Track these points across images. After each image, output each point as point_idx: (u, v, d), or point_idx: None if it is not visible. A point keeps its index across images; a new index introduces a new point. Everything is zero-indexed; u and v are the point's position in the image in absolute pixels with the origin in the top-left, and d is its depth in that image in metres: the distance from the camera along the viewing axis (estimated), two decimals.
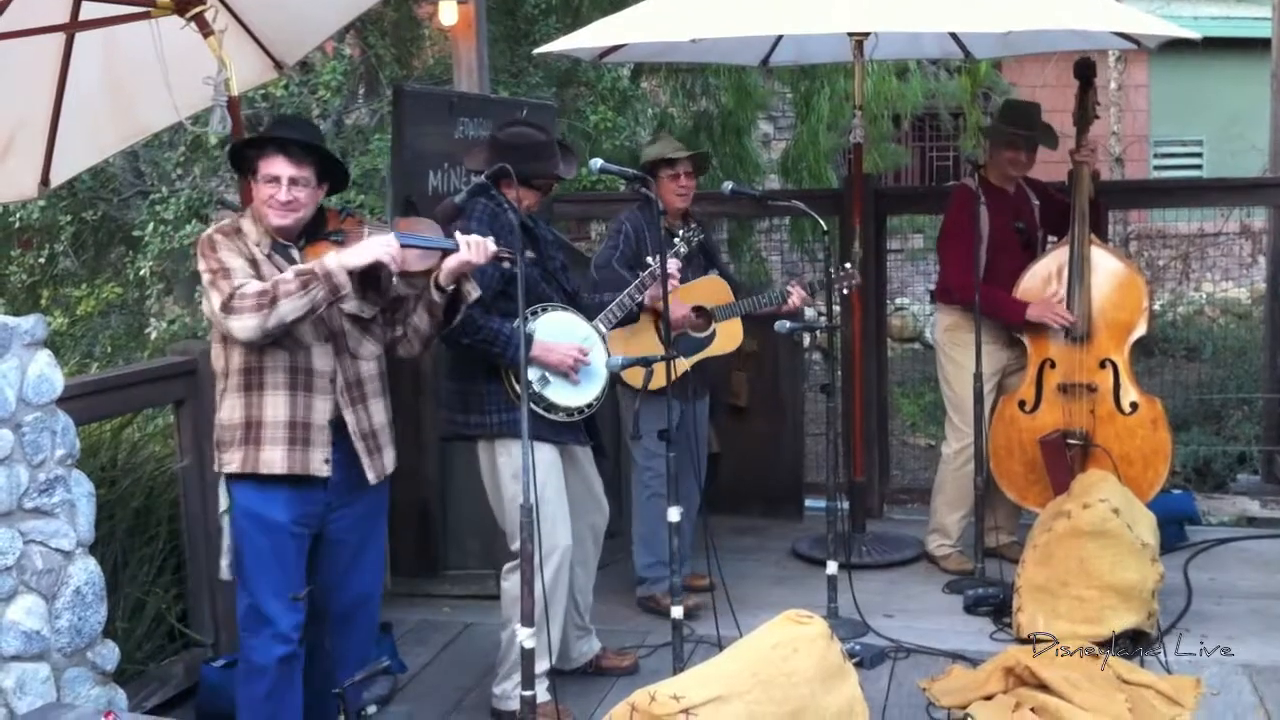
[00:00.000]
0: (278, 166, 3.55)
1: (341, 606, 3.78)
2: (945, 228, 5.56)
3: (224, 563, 3.68)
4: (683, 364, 5.00)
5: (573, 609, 4.43)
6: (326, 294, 3.47)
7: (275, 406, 3.58)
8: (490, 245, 3.69)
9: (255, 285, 3.46)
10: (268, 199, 3.57)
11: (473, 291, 3.79)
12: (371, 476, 3.70)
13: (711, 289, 5.12)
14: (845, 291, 5.23)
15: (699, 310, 5.08)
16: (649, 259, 4.65)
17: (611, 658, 4.59)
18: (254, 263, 3.55)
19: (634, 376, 4.57)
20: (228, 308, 3.44)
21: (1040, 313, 5.26)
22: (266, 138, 3.62)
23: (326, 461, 3.62)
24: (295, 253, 3.61)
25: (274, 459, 3.57)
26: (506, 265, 3.85)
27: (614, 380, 4.50)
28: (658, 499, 5.08)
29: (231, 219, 3.65)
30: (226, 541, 3.65)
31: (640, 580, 5.21)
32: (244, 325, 3.43)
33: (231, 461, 3.59)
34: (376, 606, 3.96)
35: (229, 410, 3.60)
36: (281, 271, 3.52)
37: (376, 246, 3.54)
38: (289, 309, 3.44)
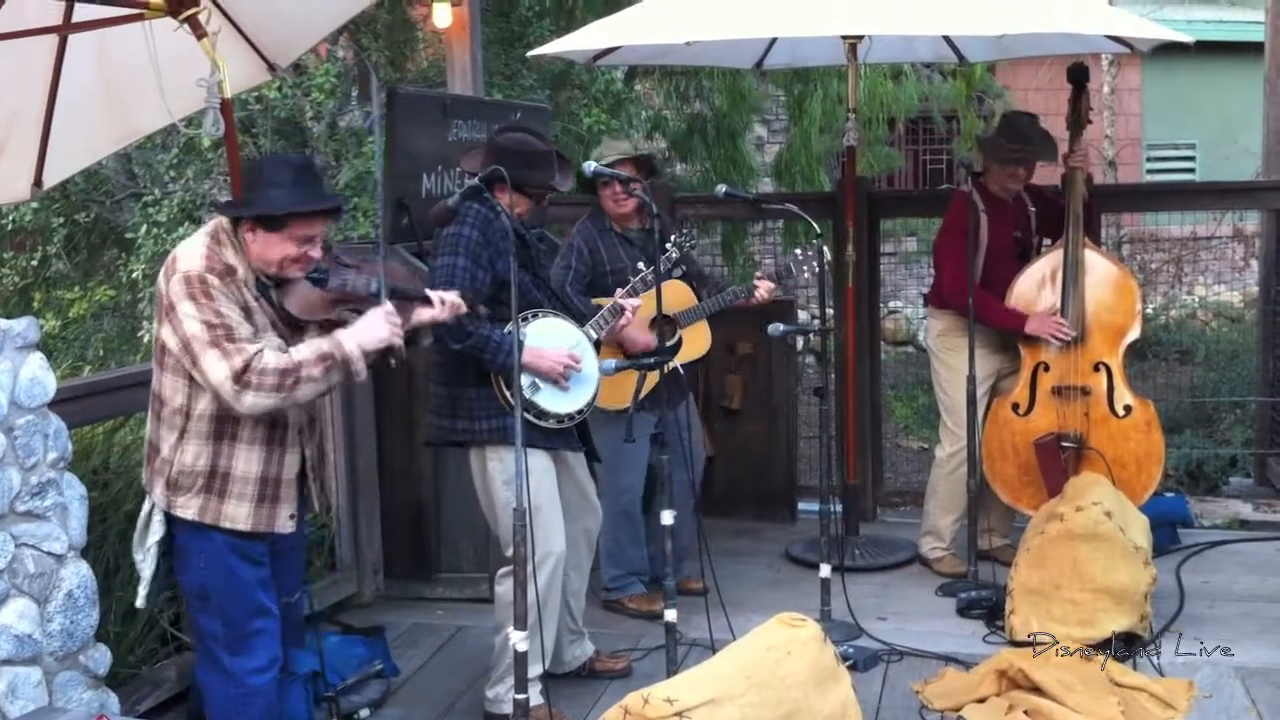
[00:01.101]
0: (319, 228, 3.41)
1: (289, 613, 3.75)
2: (943, 233, 5.56)
3: (143, 591, 3.50)
4: (651, 379, 4.96)
5: (566, 613, 4.42)
6: (342, 378, 3.39)
7: (248, 460, 3.43)
8: (462, 305, 3.66)
9: (273, 360, 3.27)
10: (298, 257, 3.39)
11: (426, 339, 3.73)
12: (317, 505, 3.68)
13: (672, 294, 4.96)
14: (809, 275, 5.09)
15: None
16: (640, 264, 4.63)
17: (605, 660, 4.59)
18: (246, 310, 3.37)
19: (612, 398, 4.56)
20: (243, 381, 3.23)
21: (1040, 328, 5.26)
22: (324, 209, 3.43)
23: (292, 518, 3.52)
24: (272, 291, 3.47)
25: (239, 515, 3.42)
26: (472, 311, 3.88)
27: None
28: (624, 516, 5.08)
29: (208, 245, 3.37)
30: (149, 572, 3.46)
31: (607, 589, 5.21)
32: (258, 404, 3.27)
33: (188, 508, 3.40)
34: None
35: (192, 456, 3.39)
36: (268, 315, 3.42)
37: (385, 328, 3.40)
38: (306, 393, 3.34)
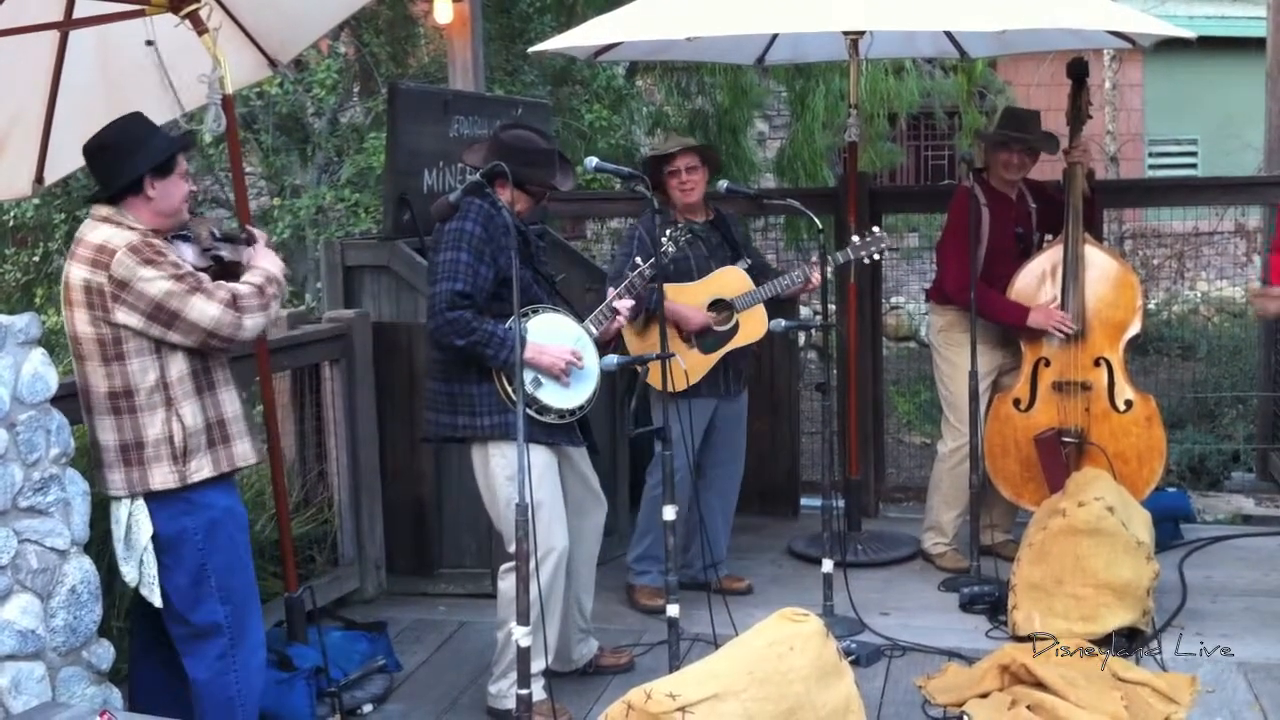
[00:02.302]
0: (185, 161, 3.64)
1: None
2: (946, 229, 5.56)
3: (158, 591, 3.52)
4: (708, 361, 4.99)
5: (576, 611, 4.42)
6: (280, 297, 3.67)
7: (231, 400, 3.64)
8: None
9: (242, 287, 3.56)
10: (187, 195, 3.62)
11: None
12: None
13: (728, 280, 5.07)
14: (876, 257, 5.19)
15: (718, 303, 5.05)
16: (637, 259, 4.63)
17: (608, 656, 4.59)
18: None
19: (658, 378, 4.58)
20: (239, 307, 3.49)
21: (1042, 320, 5.25)
22: (189, 142, 3.77)
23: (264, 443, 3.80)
24: None
25: (247, 452, 3.66)
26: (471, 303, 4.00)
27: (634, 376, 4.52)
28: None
29: (117, 224, 3.48)
30: (154, 569, 3.52)
31: (629, 568, 5.24)
32: (255, 324, 3.55)
33: (202, 468, 3.53)
34: None
35: (192, 416, 3.52)
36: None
37: (275, 257, 3.76)
38: (275, 307, 3.66)
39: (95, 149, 3.58)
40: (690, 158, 5.04)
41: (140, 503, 3.51)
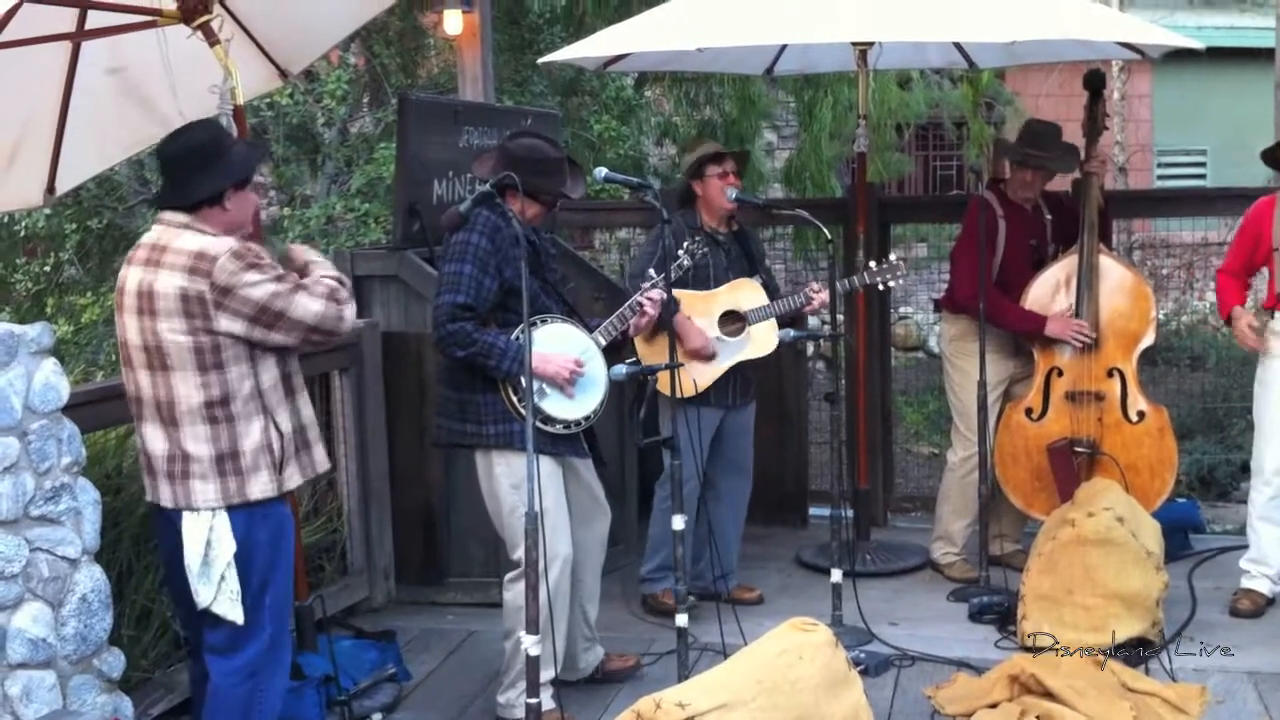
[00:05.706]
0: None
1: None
2: (960, 238, 5.56)
3: (241, 608, 3.44)
4: (716, 370, 4.98)
5: (581, 620, 4.41)
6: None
7: (307, 406, 3.63)
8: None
9: (329, 281, 3.55)
10: (255, 206, 3.66)
11: None
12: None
13: (745, 292, 5.06)
14: (892, 284, 5.22)
15: (731, 315, 5.05)
16: (650, 269, 4.64)
17: (615, 660, 4.58)
18: None
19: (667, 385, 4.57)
20: (336, 299, 3.50)
21: (1060, 330, 5.24)
22: (266, 153, 3.81)
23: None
24: None
25: (322, 457, 3.65)
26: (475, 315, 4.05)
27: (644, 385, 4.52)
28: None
29: (205, 230, 3.42)
30: (236, 584, 3.43)
31: (643, 580, 5.22)
32: (349, 314, 3.55)
33: (293, 476, 3.49)
34: None
35: (286, 422, 3.48)
36: None
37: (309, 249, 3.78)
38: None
39: (175, 156, 3.50)
40: (728, 162, 5.04)
41: (222, 516, 3.40)
